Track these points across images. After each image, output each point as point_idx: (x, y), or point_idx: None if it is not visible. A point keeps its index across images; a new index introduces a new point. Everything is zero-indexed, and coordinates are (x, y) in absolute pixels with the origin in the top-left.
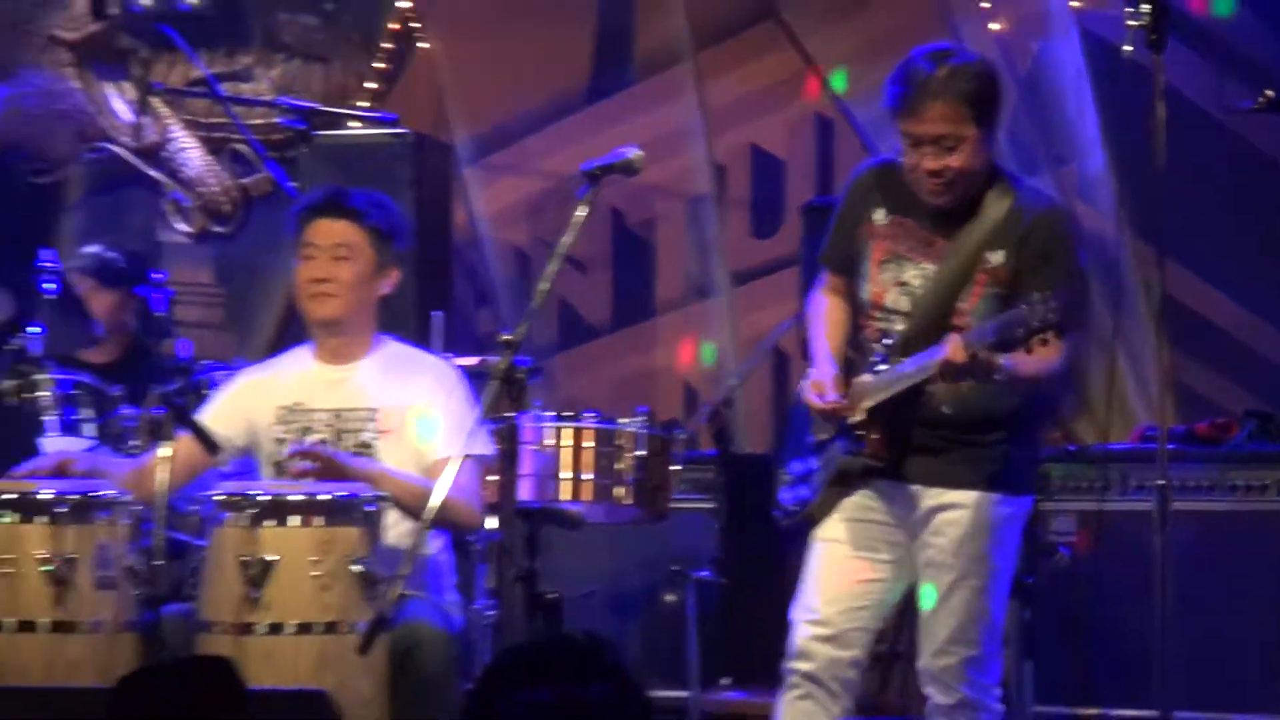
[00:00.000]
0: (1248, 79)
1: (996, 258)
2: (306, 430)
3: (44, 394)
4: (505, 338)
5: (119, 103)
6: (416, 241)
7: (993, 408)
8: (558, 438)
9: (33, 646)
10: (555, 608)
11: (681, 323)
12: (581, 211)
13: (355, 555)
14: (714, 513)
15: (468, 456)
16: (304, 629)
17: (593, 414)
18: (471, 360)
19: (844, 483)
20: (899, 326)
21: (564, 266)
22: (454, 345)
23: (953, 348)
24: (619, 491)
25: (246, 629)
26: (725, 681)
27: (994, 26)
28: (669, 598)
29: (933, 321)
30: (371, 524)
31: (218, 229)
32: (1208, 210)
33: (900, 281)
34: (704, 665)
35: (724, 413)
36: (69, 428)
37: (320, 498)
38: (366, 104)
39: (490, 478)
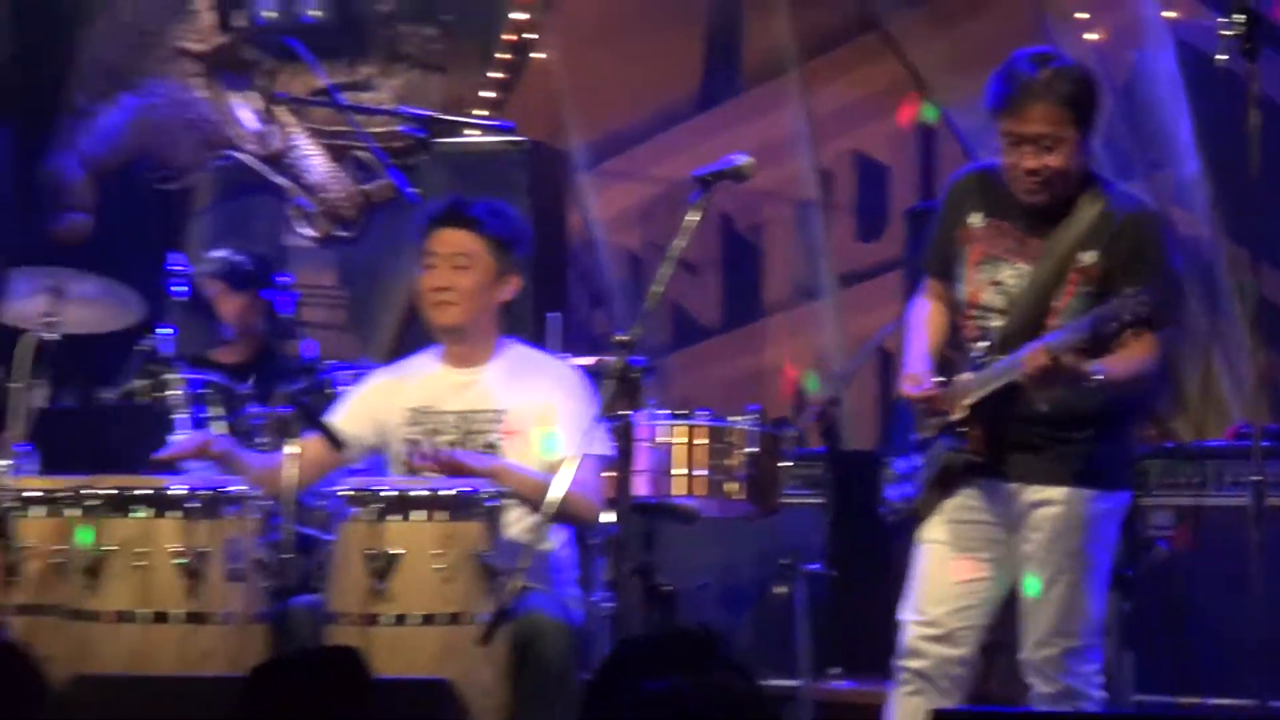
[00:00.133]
0: None
1: (1089, 257)
2: (435, 432)
3: (174, 393)
4: (620, 338)
5: (244, 112)
6: (533, 246)
7: (1085, 405)
8: (671, 435)
9: (166, 637)
10: (670, 600)
11: (789, 324)
12: (693, 216)
13: (477, 549)
14: (823, 508)
15: (588, 455)
16: (428, 620)
17: (705, 412)
18: (587, 360)
19: (947, 482)
20: (995, 324)
21: (676, 269)
22: (570, 346)
23: (1030, 355)
24: (731, 487)
25: (372, 620)
26: (834, 671)
27: (1091, 37)
28: (779, 590)
29: (1028, 320)
30: (493, 518)
31: (341, 233)
32: None
33: (995, 281)
34: (814, 655)
35: (831, 411)
36: (198, 426)
37: (443, 493)
38: (484, 112)
39: (608, 474)
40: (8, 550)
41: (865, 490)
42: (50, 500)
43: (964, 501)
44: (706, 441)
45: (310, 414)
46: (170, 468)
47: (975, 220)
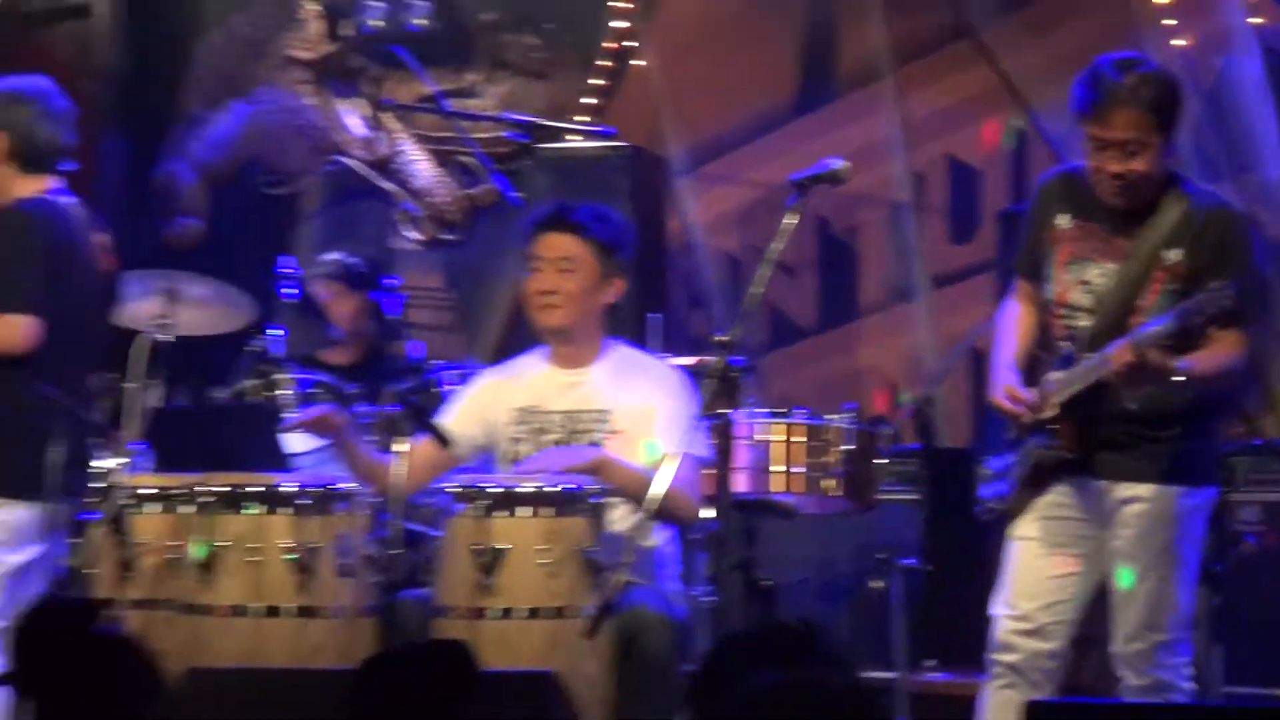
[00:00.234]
0: None
1: (1174, 256)
2: (541, 431)
3: (284, 393)
4: (720, 339)
5: (352, 118)
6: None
7: (1172, 402)
8: (770, 433)
9: (278, 630)
10: (770, 594)
11: (883, 324)
12: (791, 219)
13: (581, 544)
14: (918, 504)
15: (688, 454)
16: (533, 614)
17: (802, 411)
18: (687, 360)
19: (1038, 481)
20: (1083, 323)
21: (774, 271)
22: (670, 346)
23: (1117, 352)
24: (828, 484)
25: (479, 614)
26: (929, 663)
27: (1178, 43)
28: (876, 584)
29: (1115, 318)
30: (597, 515)
31: (446, 236)
32: None
33: (1083, 281)
34: (909, 648)
35: (926, 409)
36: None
37: (548, 490)
38: (585, 118)
39: (707, 472)
40: (123, 546)
41: (959, 486)
42: (165, 497)
43: (1055, 499)
44: (804, 439)
45: (418, 413)
46: (282, 464)
47: (1063, 221)
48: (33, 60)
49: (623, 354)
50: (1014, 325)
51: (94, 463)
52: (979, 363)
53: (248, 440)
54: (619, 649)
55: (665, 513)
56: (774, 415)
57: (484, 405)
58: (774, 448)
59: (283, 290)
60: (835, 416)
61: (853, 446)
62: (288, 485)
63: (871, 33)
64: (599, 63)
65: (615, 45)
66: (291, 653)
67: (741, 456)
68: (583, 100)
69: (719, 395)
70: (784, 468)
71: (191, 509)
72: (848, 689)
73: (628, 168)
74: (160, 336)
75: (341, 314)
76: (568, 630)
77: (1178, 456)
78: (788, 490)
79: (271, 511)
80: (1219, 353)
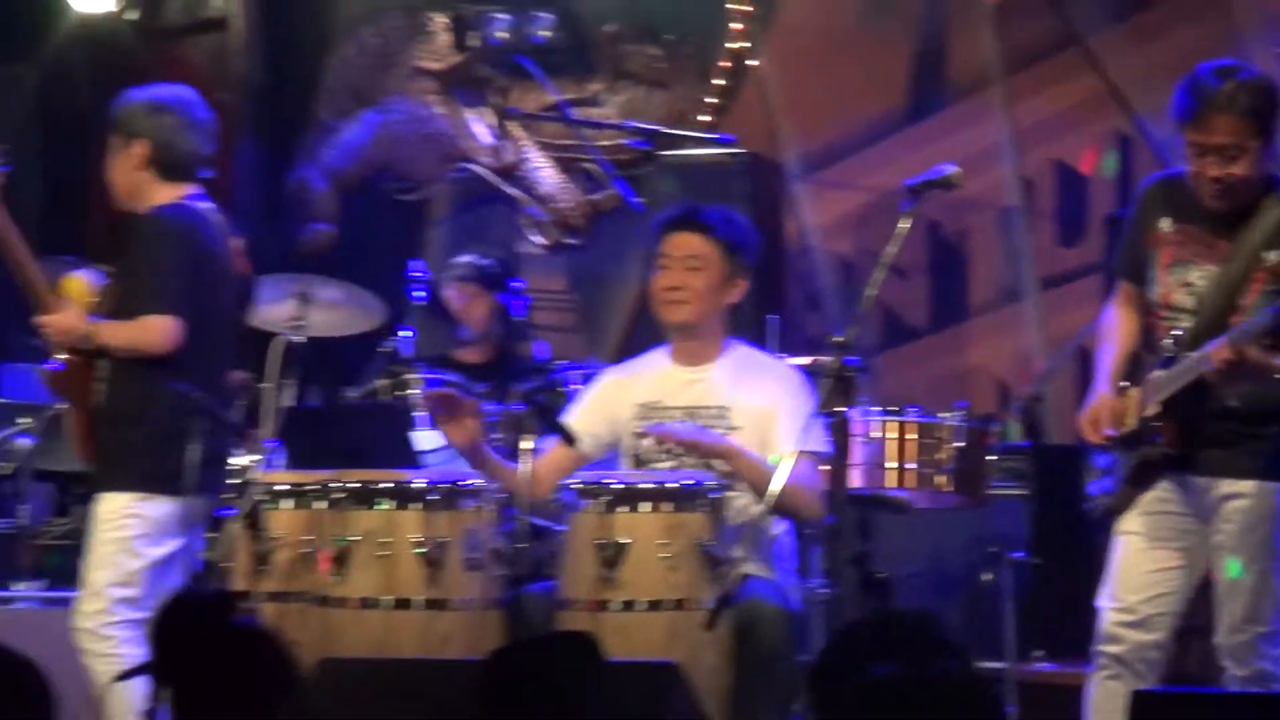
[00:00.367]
0: None
1: (1273, 257)
2: None
3: (414, 392)
4: (837, 339)
5: (479, 127)
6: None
7: (1273, 400)
8: (884, 431)
9: (408, 622)
10: (884, 587)
11: (993, 325)
12: (905, 223)
13: (701, 539)
14: (1027, 499)
15: (810, 452)
16: (654, 606)
17: (915, 409)
18: (803, 360)
19: (1143, 477)
20: (1185, 324)
21: (887, 274)
22: (787, 346)
23: (1216, 350)
24: (940, 479)
25: (602, 606)
26: (1038, 654)
27: None
28: (986, 577)
29: (1216, 319)
30: (716, 509)
31: (570, 241)
32: None
33: (1186, 283)
34: (1019, 639)
35: (1035, 407)
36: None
37: (669, 486)
38: (704, 126)
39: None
40: (259, 540)
41: (1067, 482)
42: (299, 493)
43: (1159, 495)
44: (916, 437)
45: (545, 412)
46: (412, 461)
47: (1164, 225)
48: (172, 72)
49: (743, 353)
50: (1113, 334)
51: (231, 460)
52: (1086, 362)
53: (379, 438)
54: (736, 640)
55: (788, 509)
56: (887, 413)
57: (607, 402)
58: (888, 445)
59: (413, 293)
60: (947, 414)
61: (963, 443)
62: (418, 481)
63: (982, 42)
64: (717, 72)
65: (733, 54)
66: (420, 644)
67: (856, 453)
68: (701, 108)
69: (835, 394)
70: (897, 464)
71: (324, 505)
72: (964, 679)
73: (745, 173)
74: (294, 338)
75: (477, 314)
76: (687, 622)
77: (1276, 453)
78: (901, 486)
79: (402, 507)
80: None
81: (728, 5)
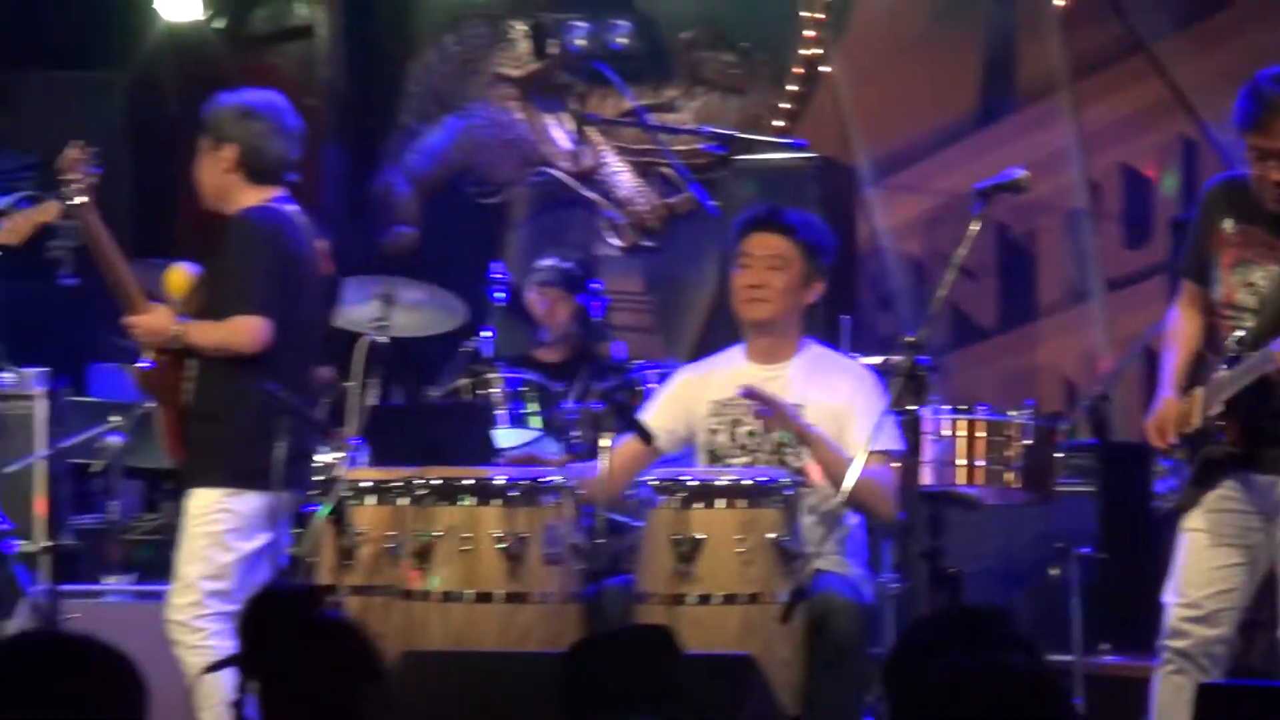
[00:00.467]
0: None
1: None
2: (736, 422)
3: (495, 391)
4: (909, 339)
5: (558, 132)
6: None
7: None
8: (954, 428)
9: (489, 616)
10: (955, 581)
11: (1060, 325)
12: (975, 226)
13: (775, 534)
14: (1094, 495)
15: (884, 451)
16: (729, 600)
17: (984, 407)
18: (875, 359)
19: (1207, 476)
20: (1248, 323)
21: (957, 275)
22: (859, 346)
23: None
24: (1008, 476)
25: (679, 600)
26: (1104, 647)
27: None
28: (1054, 571)
29: (1278, 318)
30: (790, 505)
31: (646, 243)
32: None
33: (1249, 283)
34: (1086, 632)
35: (1102, 405)
36: (517, 420)
37: (744, 482)
38: (778, 131)
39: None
40: (344, 535)
41: (1132, 479)
42: (382, 490)
43: (1223, 493)
44: (985, 434)
45: (622, 410)
46: (493, 458)
47: (1227, 226)
48: (258, 78)
49: (817, 352)
50: (1177, 337)
51: (316, 457)
52: (1151, 361)
53: (460, 436)
54: (810, 632)
55: (863, 506)
56: (957, 411)
57: (683, 399)
58: (957, 442)
59: (493, 294)
60: (1015, 412)
61: (1032, 441)
62: (499, 478)
63: (1049, 48)
64: (791, 78)
65: (806, 61)
66: (501, 637)
67: (927, 451)
68: (775, 113)
69: (906, 393)
70: (967, 461)
71: (407, 501)
72: (1033, 673)
73: (818, 177)
74: (378, 338)
75: (560, 316)
76: (762, 615)
77: None
78: (970, 483)
79: (483, 503)
80: None
81: (801, 13)
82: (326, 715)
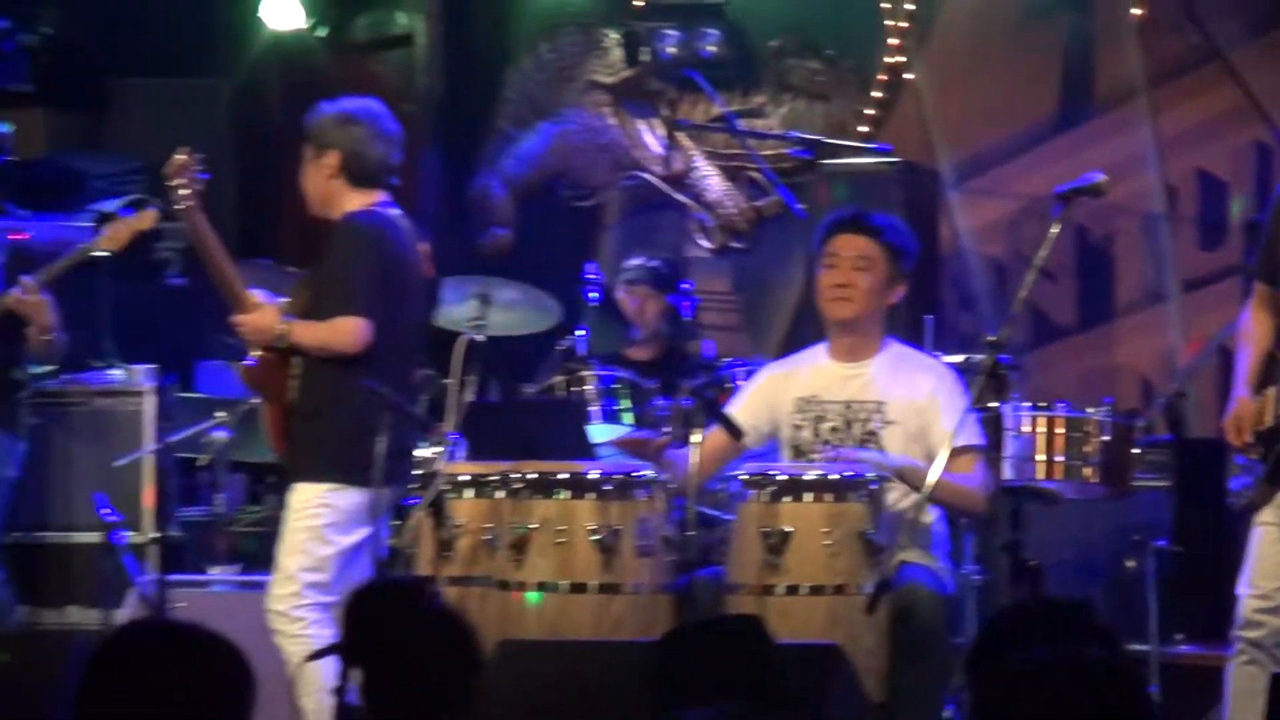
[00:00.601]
0: None
1: None
2: (820, 419)
3: (588, 388)
4: (991, 339)
5: (650, 137)
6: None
7: None
8: (1034, 425)
9: (583, 606)
10: (1036, 573)
11: (1138, 324)
12: (1055, 228)
13: (861, 527)
14: (1170, 490)
15: (971, 448)
16: (816, 591)
17: (1063, 404)
18: (957, 358)
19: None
20: None
21: (1037, 276)
22: (941, 345)
23: None
24: (1087, 471)
25: (768, 590)
26: (1179, 637)
27: None
28: (1131, 564)
29: None
30: (875, 500)
31: (735, 245)
32: None
33: None
34: (1161, 622)
35: (1178, 403)
36: (609, 417)
37: (830, 477)
38: (863, 136)
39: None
40: (442, 528)
41: (1207, 474)
42: (480, 484)
43: None
44: (1064, 431)
45: (712, 406)
46: (587, 453)
47: None
48: (359, 85)
49: (898, 351)
50: (1249, 338)
51: (416, 452)
52: (1226, 360)
53: (555, 431)
54: (894, 622)
55: (954, 503)
56: (1037, 409)
57: (768, 395)
58: (1037, 438)
59: (587, 293)
60: (1093, 409)
61: (1109, 437)
62: (593, 472)
63: (1127, 56)
64: (875, 85)
65: (890, 68)
66: (595, 627)
67: (1008, 447)
68: (860, 119)
69: (988, 390)
70: (1046, 457)
71: (504, 494)
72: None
73: (902, 181)
74: (475, 337)
75: (651, 314)
76: (848, 606)
77: None
78: (1050, 477)
79: (578, 496)
80: None
81: (886, 21)
82: (427, 703)
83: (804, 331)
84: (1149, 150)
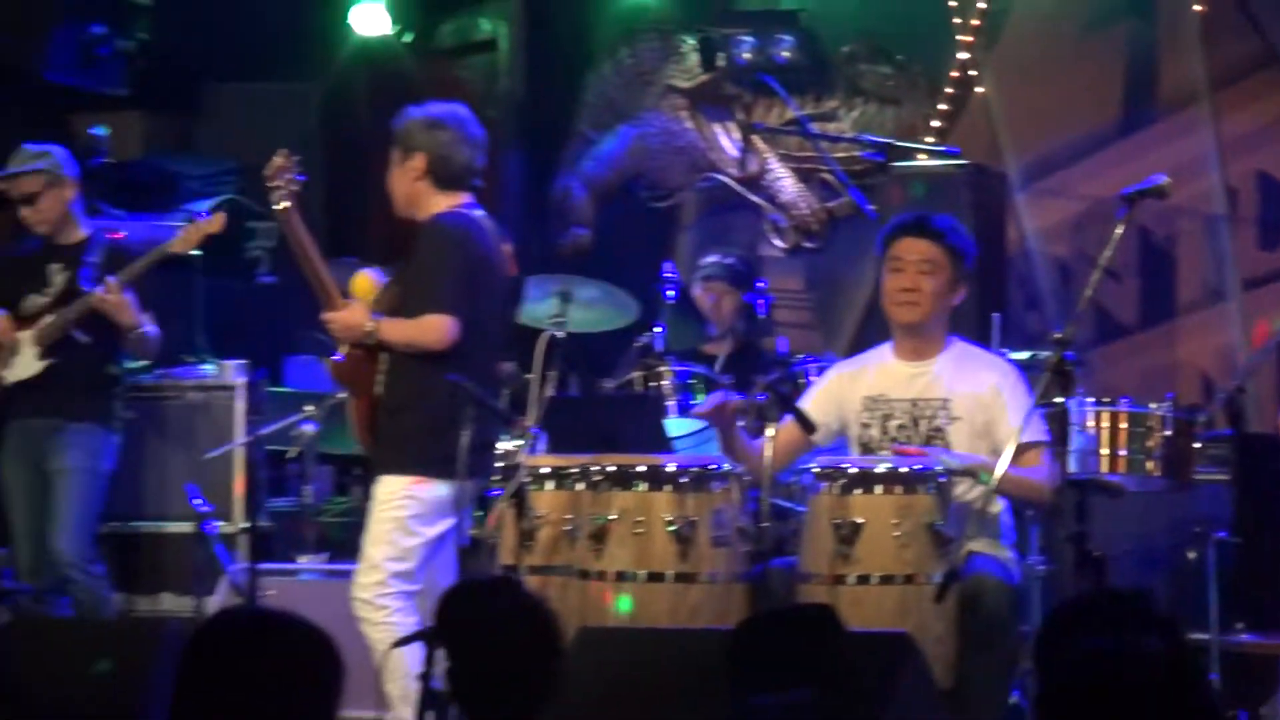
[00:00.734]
0: None
1: None
2: (887, 417)
3: (665, 383)
4: (1057, 336)
5: (725, 140)
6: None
7: None
8: (1098, 420)
9: (660, 595)
10: (1100, 564)
11: (1199, 323)
12: (1119, 229)
13: (930, 518)
14: (1229, 483)
15: (1038, 442)
16: (886, 580)
17: (1127, 400)
18: (1023, 355)
19: None
20: None
21: (1102, 275)
22: (1008, 342)
23: None
24: (1149, 465)
25: (839, 580)
26: (1239, 626)
27: None
28: (1191, 555)
29: None
30: (943, 492)
31: (808, 245)
32: None
33: None
34: (1221, 612)
35: (1238, 398)
36: (686, 411)
37: (900, 470)
38: (933, 139)
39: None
40: (524, 519)
41: (1266, 467)
42: (560, 476)
43: None
44: (1128, 425)
45: (786, 400)
46: (665, 446)
47: None
48: (444, 90)
49: (961, 348)
50: None
51: (498, 445)
52: None
53: (633, 425)
54: (962, 611)
55: (1016, 496)
56: (1101, 404)
57: (836, 394)
58: (1101, 433)
59: (664, 291)
60: (1156, 405)
61: (1171, 432)
62: (670, 465)
63: (1190, 61)
64: (945, 89)
65: (959, 74)
66: (671, 615)
67: (1073, 441)
68: (930, 123)
69: (1054, 386)
70: (1110, 451)
71: (584, 486)
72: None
73: (970, 183)
74: (556, 333)
75: (727, 310)
76: (917, 595)
77: None
78: (1114, 471)
79: (655, 488)
80: None
81: (955, 28)
82: (511, 688)
83: (874, 329)
84: (1210, 153)
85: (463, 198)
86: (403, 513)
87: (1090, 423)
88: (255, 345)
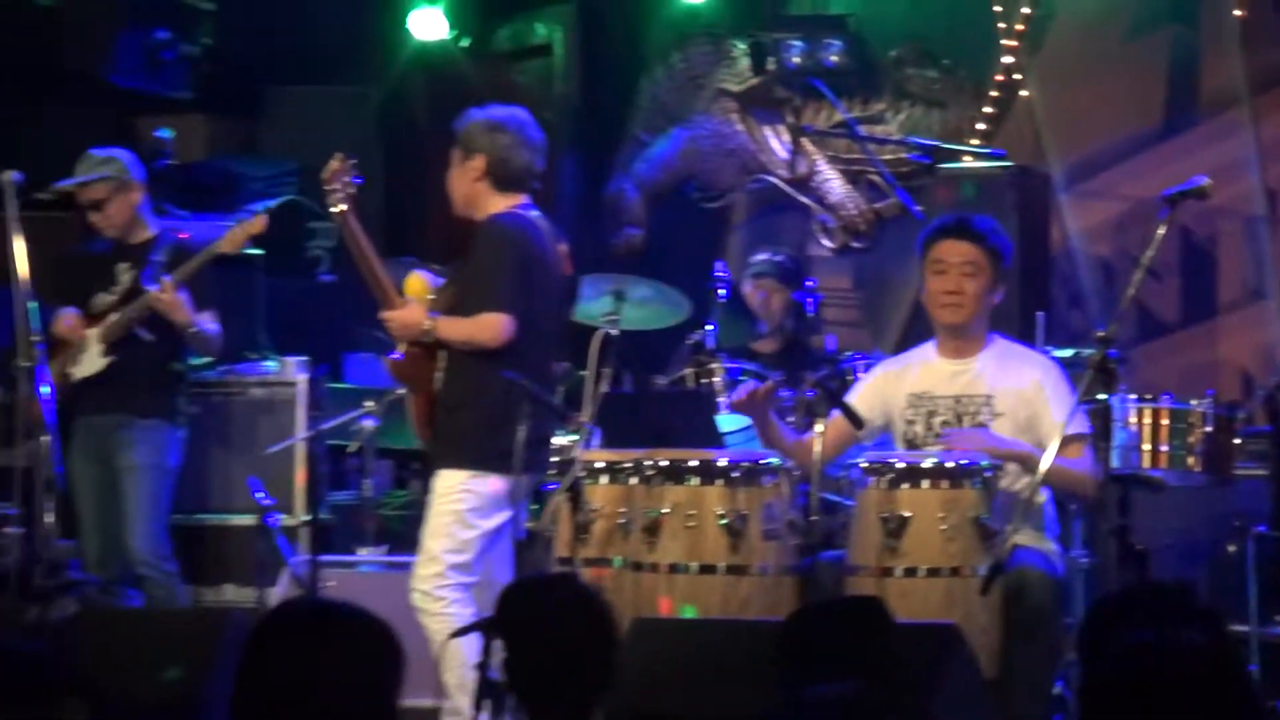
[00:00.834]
0: None
1: None
2: (931, 414)
3: (717, 379)
4: (1100, 334)
5: (775, 142)
6: (1021, 253)
7: None
8: (1140, 416)
9: (712, 586)
10: (1142, 557)
11: (1239, 321)
12: (1161, 230)
13: (975, 512)
14: (1269, 478)
15: (1080, 435)
16: (933, 573)
17: (1168, 396)
18: (1066, 352)
19: None
20: None
21: (1144, 275)
22: (1051, 340)
23: None
24: (1190, 460)
25: (887, 572)
26: (1278, 618)
27: None
28: (1231, 548)
29: None
30: (989, 486)
31: (855, 245)
32: None
33: None
34: (1260, 604)
35: (1277, 395)
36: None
37: (946, 465)
38: (978, 142)
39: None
40: (579, 512)
41: None
42: (614, 470)
43: None
44: (1169, 422)
45: (834, 396)
46: (717, 441)
47: None
48: (501, 93)
49: (1002, 346)
50: None
51: (554, 440)
52: None
53: (685, 421)
54: (1007, 603)
55: (1061, 488)
56: (1143, 400)
57: (881, 391)
58: (1143, 429)
59: (715, 290)
60: (1196, 401)
61: (1212, 428)
62: (721, 460)
63: (1230, 65)
64: (990, 92)
65: (1004, 77)
66: (723, 605)
67: (1116, 436)
68: (975, 126)
69: (1097, 383)
70: (1152, 446)
71: (637, 480)
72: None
73: (1015, 184)
74: (610, 331)
75: (776, 307)
76: (963, 587)
77: None
78: (1155, 466)
79: (707, 483)
80: None
81: (1000, 33)
82: (567, 677)
83: (920, 327)
84: (1250, 155)
85: (519, 199)
86: (460, 506)
87: (1132, 419)
88: (316, 342)
